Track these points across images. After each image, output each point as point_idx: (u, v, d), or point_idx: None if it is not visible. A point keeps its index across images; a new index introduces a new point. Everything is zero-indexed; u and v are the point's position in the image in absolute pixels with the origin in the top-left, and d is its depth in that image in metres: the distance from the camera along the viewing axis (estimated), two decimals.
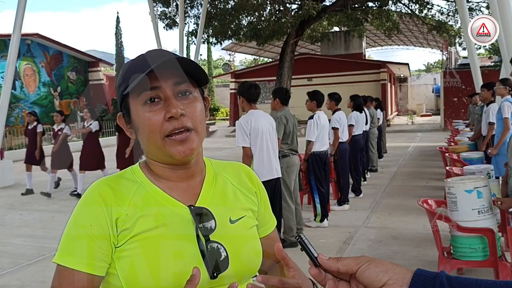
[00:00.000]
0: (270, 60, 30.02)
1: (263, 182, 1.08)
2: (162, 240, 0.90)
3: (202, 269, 0.88)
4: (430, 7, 15.00)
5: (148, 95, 0.91)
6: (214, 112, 33.74)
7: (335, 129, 6.29)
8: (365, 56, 28.32)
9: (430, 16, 15.52)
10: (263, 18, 14.55)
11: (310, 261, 0.71)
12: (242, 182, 1.07)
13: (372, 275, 0.65)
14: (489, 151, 5.60)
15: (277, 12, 14.54)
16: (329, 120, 5.83)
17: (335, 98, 6.46)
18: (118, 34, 33.67)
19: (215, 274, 0.90)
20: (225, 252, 0.92)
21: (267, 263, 1.08)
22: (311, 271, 0.70)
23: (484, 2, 13.39)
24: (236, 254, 0.94)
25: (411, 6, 15.10)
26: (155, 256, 0.88)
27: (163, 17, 14.79)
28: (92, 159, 8.03)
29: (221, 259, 0.91)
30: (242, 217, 1.00)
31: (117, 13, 44.13)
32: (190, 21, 15.37)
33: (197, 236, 0.91)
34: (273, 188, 4.17)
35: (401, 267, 0.65)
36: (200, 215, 0.92)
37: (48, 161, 8.52)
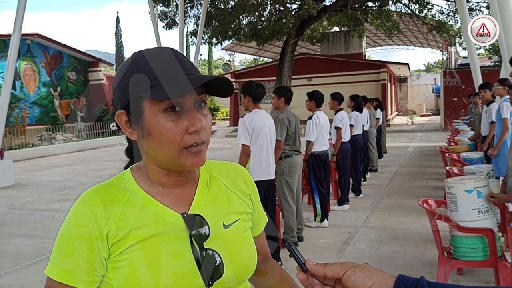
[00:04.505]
0: (270, 60, 30.03)
1: (259, 182, 1.08)
2: (157, 250, 0.89)
3: (198, 277, 0.89)
4: (430, 7, 15.00)
5: (171, 103, 0.87)
6: (214, 112, 33.74)
7: (338, 129, 6.29)
8: (365, 56, 28.33)
9: (430, 16, 15.53)
10: (263, 18, 14.54)
11: (298, 267, 0.75)
12: (237, 184, 1.06)
13: (358, 280, 0.70)
14: (489, 152, 5.60)
15: (277, 12, 14.53)
16: (330, 120, 5.83)
17: (337, 98, 6.47)
18: (118, 34, 33.73)
19: (210, 282, 0.89)
20: (220, 258, 0.92)
21: (259, 259, 1.09)
22: (299, 276, 0.74)
23: (484, 2, 13.39)
24: (232, 258, 0.95)
25: (411, 6, 15.10)
26: (150, 267, 0.88)
27: (163, 17, 14.78)
28: None
29: (215, 265, 0.91)
30: (236, 221, 1.00)
31: (117, 13, 44.16)
32: (190, 21, 15.37)
33: (191, 244, 0.90)
34: (267, 188, 4.17)
35: (384, 273, 0.71)
36: (194, 223, 0.92)
37: None
